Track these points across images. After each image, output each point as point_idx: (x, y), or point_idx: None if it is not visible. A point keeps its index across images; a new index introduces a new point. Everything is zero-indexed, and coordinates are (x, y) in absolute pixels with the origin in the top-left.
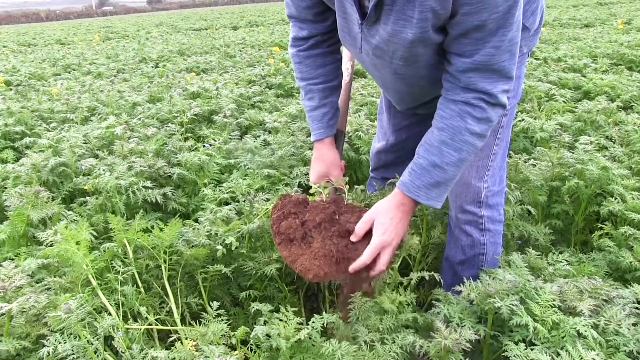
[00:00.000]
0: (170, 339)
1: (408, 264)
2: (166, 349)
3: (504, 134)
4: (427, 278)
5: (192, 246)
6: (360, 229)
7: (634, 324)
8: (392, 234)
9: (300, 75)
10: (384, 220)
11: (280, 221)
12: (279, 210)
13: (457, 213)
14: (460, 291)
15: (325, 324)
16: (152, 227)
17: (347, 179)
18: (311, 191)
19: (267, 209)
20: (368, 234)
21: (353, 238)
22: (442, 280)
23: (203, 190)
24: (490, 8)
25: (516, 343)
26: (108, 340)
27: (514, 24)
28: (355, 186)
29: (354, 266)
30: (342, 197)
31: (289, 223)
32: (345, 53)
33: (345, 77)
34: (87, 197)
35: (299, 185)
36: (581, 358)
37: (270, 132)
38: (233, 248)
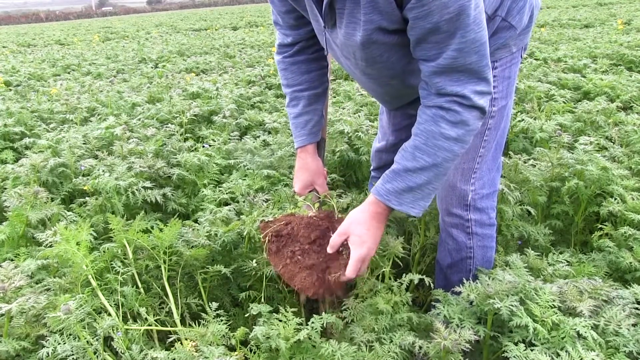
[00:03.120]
0: (170, 340)
1: (407, 264)
2: (166, 349)
3: (491, 136)
4: (416, 281)
5: (192, 247)
6: (335, 242)
7: (634, 325)
8: (370, 244)
9: (285, 82)
10: (360, 233)
11: (274, 239)
12: (272, 229)
13: (444, 216)
14: (460, 292)
15: (324, 325)
16: (152, 227)
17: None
18: (298, 204)
19: (265, 209)
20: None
21: (329, 250)
22: (435, 284)
23: (203, 191)
24: (438, 10)
25: (516, 344)
26: (108, 341)
27: (474, 24)
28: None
29: (340, 281)
30: (333, 211)
31: (284, 241)
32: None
33: None
34: (87, 198)
35: None
36: (581, 359)
37: (269, 133)
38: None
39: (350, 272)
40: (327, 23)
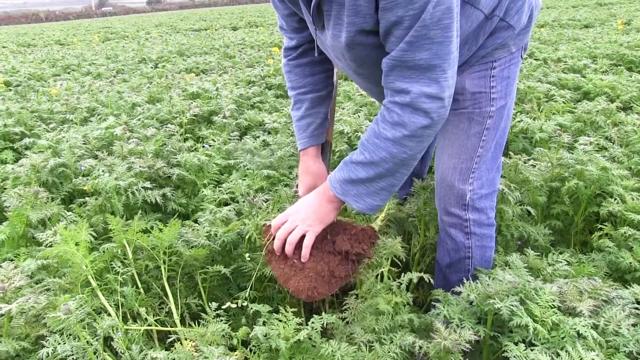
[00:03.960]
0: (170, 340)
1: (407, 264)
2: (166, 349)
3: (489, 136)
4: (415, 280)
5: (192, 247)
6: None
7: (634, 325)
8: (299, 208)
9: (290, 84)
10: (303, 199)
11: (273, 240)
12: (271, 232)
13: (442, 216)
14: (460, 292)
15: (324, 325)
16: (152, 227)
17: None
18: None
19: (267, 211)
20: (345, 256)
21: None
22: (434, 283)
23: (202, 191)
24: (404, 5)
25: (516, 344)
26: (107, 341)
27: (431, 22)
28: None
29: (271, 232)
30: None
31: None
32: None
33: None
34: (87, 198)
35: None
36: (581, 358)
37: (269, 133)
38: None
39: (274, 221)
40: (316, 25)
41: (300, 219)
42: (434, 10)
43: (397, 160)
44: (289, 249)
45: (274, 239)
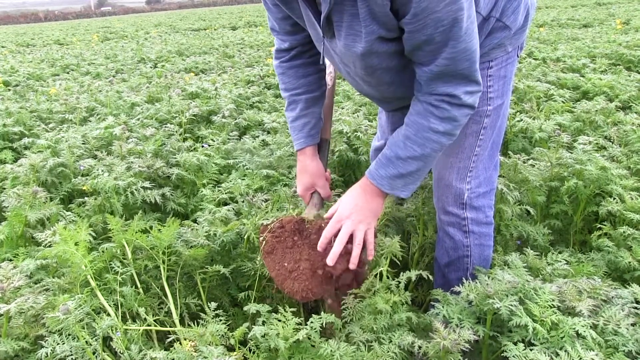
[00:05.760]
0: (169, 340)
1: (406, 264)
2: (165, 349)
3: (486, 135)
4: (413, 279)
5: (191, 247)
6: (329, 228)
7: (633, 324)
8: (350, 208)
9: (283, 86)
10: (346, 199)
11: (270, 242)
12: (266, 232)
13: (441, 214)
14: (459, 291)
15: (324, 324)
16: (151, 227)
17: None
18: (311, 212)
19: (266, 211)
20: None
21: (323, 236)
22: (434, 282)
23: (202, 191)
24: (433, 24)
25: (515, 343)
26: (107, 341)
27: (465, 35)
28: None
29: (320, 244)
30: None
31: (279, 243)
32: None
33: (328, 82)
34: (86, 198)
35: None
36: (580, 358)
37: (269, 133)
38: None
39: (327, 231)
40: (325, 34)
41: (358, 220)
42: (467, 24)
43: (443, 147)
44: (357, 251)
45: (267, 240)
